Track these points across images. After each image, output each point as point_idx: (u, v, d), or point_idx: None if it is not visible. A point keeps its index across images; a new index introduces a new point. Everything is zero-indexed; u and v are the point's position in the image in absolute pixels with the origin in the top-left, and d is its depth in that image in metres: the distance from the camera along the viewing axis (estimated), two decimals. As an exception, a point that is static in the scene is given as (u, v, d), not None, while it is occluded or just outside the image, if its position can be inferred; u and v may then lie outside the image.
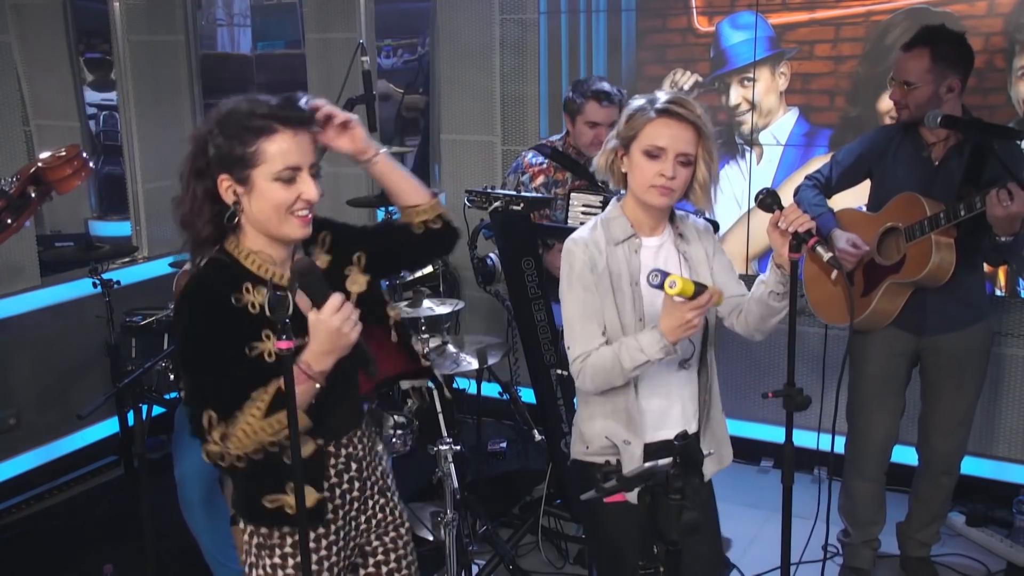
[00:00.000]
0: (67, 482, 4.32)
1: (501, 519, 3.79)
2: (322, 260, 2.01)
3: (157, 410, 3.93)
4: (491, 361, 3.59)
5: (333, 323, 1.75)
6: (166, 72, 4.93)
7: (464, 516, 3.25)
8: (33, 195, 2.00)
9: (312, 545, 1.95)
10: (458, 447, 2.96)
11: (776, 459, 4.21)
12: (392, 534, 2.15)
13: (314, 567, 1.95)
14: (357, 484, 2.05)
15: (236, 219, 1.89)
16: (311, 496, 1.91)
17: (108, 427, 4.46)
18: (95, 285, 4.06)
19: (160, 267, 4.59)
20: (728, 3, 4.05)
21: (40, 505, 4.16)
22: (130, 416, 3.94)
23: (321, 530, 1.98)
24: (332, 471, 2.00)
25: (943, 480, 3.27)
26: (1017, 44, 3.51)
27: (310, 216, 1.90)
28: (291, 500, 1.88)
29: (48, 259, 4.33)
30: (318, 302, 1.78)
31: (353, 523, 2.07)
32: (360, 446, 2.07)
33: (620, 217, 2.27)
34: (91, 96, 5.27)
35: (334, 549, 2.02)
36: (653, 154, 2.16)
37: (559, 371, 3.10)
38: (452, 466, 2.92)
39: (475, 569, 3.32)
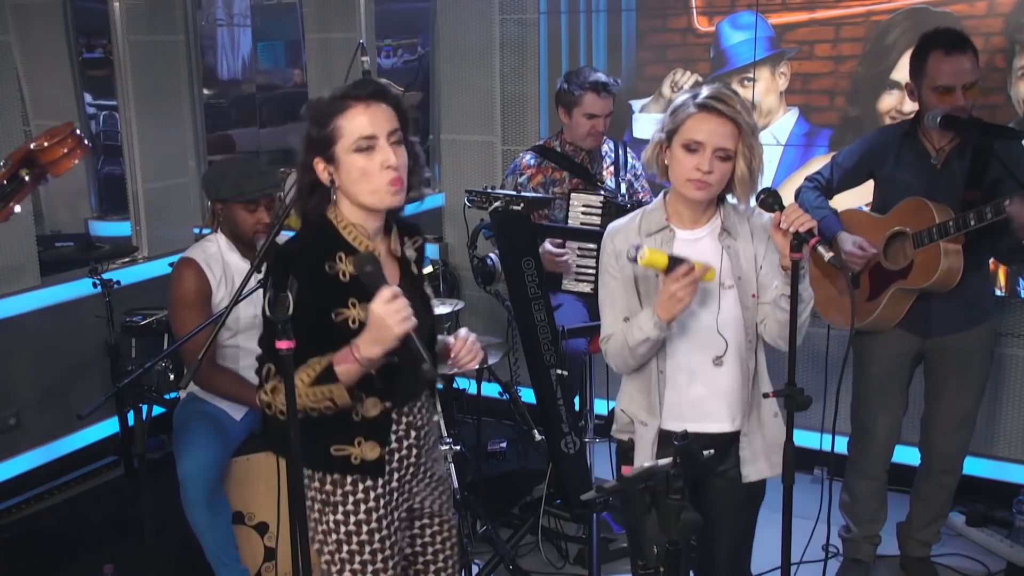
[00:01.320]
0: (67, 482, 4.31)
1: (501, 519, 3.79)
2: (409, 254, 2.19)
3: (157, 410, 3.93)
4: (491, 361, 3.59)
5: (378, 312, 1.89)
6: (166, 72, 4.93)
7: (464, 516, 3.25)
8: (27, 179, 1.91)
9: (361, 496, 2.10)
10: (458, 447, 2.96)
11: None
12: (442, 498, 2.31)
13: (362, 516, 2.10)
14: (415, 451, 2.18)
15: (334, 196, 2.06)
16: (374, 451, 2.08)
17: (108, 427, 4.45)
18: (95, 285, 4.05)
19: (160, 267, 4.58)
20: (728, 3, 4.05)
21: (40, 505, 4.15)
22: (130, 416, 3.94)
23: (369, 482, 2.10)
24: (393, 436, 2.13)
25: (945, 480, 3.27)
26: (1017, 44, 3.51)
27: (399, 185, 2.02)
28: (356, 451, 2.07)
29: (48, 259, 4.32)
30: (373, 292, 1.92)
31: (407, 486, 2.20)
32: (420, 416, 2.19)
33: (659, 209, 2.33)
34: (91, 96, 5.27)
35: (382, 502, 2.13)
36: (691, 148, 2.20)
37: (559, 371, 3.09)
38: (452, 466, 2.91)
39: (475, 569, 3.32)
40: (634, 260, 2.12)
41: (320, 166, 2.04)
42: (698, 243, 2.30)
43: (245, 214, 3.09)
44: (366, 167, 2.00)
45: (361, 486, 2.10)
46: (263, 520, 3.15)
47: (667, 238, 2.29)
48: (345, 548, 2.10)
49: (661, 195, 2.37)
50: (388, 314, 1.88)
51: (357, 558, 2.10)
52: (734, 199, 2.31)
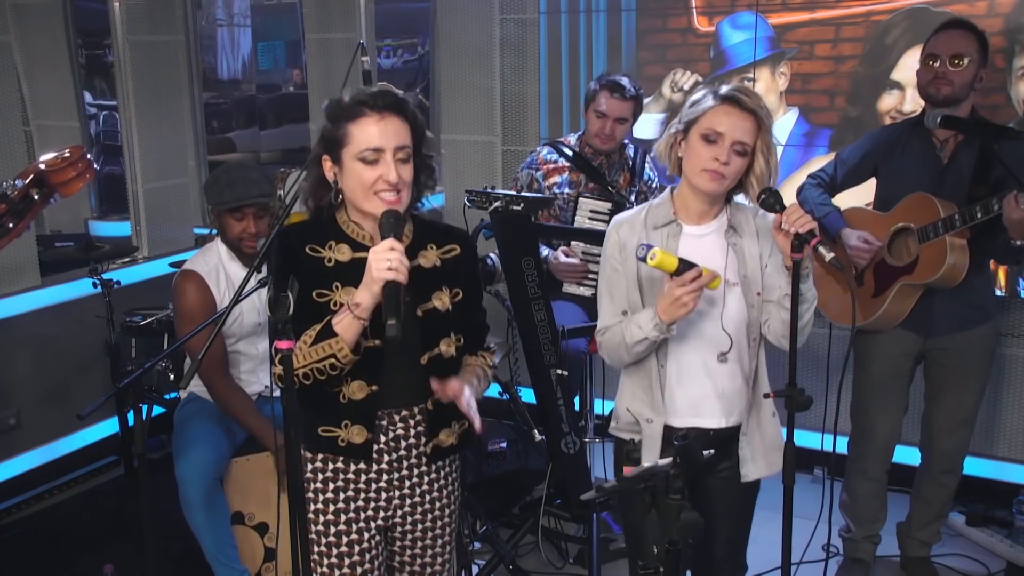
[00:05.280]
0: (67, 482, 4.31)
1: (501, 519, 3.79)
2: (430, 258, 2.16)
3: (157, 410, 3.94)
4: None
5: (370, 256, 1.92)
6: (166, 72, 4.93)
7: (464, 516, 3.25)
8: (36, 198, 1.97)
9: (352, 476, 2.15)
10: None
11: (776, 459, 4.20)
12: (427, 538, 2.25)
13: (350, 493, 2.15)
14: (404, 464, 2.16)
15: (340, 198, 2.08)
16: (360, 435, 2.10)
17: (108, 427, 4.45)
18: (95, 285, 4.06)
19: (160, 267, 4.59)
20: (728, 3, 4.05)
21: (40, 505, 4.15)
22: (130, 416, 3.94)
23: (363, 465, 2.14)
24: (383, 437, 2.13)
25: (945, 479, 3.27)
26: (1017, 44, 3.51)
27: (397, 199, 2.01)
28: (343, 434, 2.10)
29: (48, 259, 4.32)
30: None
31: (392, 492, 2.18)
32: (411, 435, 2.16)
33: (666, 203, 2.32)
34: (91, 96, 5.27)
35: (372, 486, 2.16)
36: (710, 138, 2.19)
37: (559, 371, 3.09)
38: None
39: (475, 569, 3.32)
40: (643, 259, 2.10)
41: (327, 164, 2.06)
42: (704, 239, 2.30)
43: (232, 221, 3.08)
44: (365, 178, 2.00)
45: (348, 470, 2.14)
46: (263, 520, 3.15)
47: (674, 232, 2.28)
48: (317, 523, 2.14)
49: (668, 190, 2.36)
50: (377, 259, 1.90)
51: (332, 528, 2.13)
52: (741, 198, 2.31)
